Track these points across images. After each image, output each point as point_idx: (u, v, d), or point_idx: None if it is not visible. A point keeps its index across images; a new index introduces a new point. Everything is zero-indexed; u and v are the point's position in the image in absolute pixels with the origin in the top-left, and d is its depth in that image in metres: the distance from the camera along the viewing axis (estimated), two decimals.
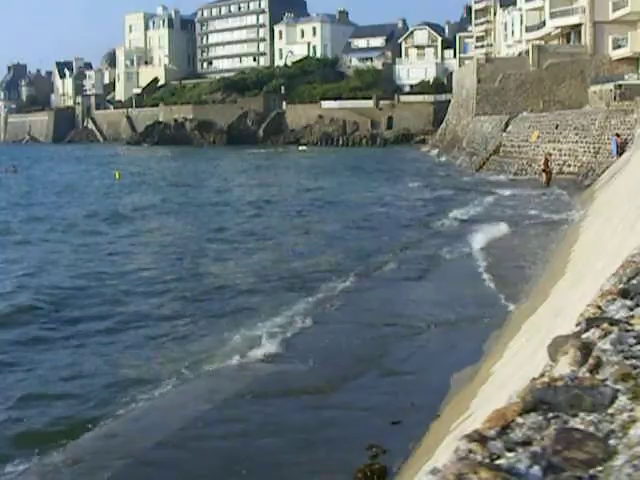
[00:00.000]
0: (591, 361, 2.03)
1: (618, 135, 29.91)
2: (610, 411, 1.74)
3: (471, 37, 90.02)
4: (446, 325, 11.22)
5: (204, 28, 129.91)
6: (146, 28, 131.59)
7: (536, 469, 1.52)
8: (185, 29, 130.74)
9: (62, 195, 36.62)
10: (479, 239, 18.20)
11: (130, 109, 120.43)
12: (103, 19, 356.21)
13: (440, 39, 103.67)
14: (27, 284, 15.27)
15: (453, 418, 6.26)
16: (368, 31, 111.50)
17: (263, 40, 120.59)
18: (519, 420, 1.74)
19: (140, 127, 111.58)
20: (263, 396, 8.61)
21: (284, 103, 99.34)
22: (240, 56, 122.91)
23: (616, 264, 4.36)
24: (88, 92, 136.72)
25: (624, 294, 2.90)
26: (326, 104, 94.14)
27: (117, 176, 45.99)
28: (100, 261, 18.13)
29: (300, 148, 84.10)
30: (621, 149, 28.91)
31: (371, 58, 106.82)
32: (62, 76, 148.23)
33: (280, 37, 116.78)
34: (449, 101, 66.90)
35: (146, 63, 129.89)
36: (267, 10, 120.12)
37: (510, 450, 1.61)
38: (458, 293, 13.25)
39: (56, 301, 13.75)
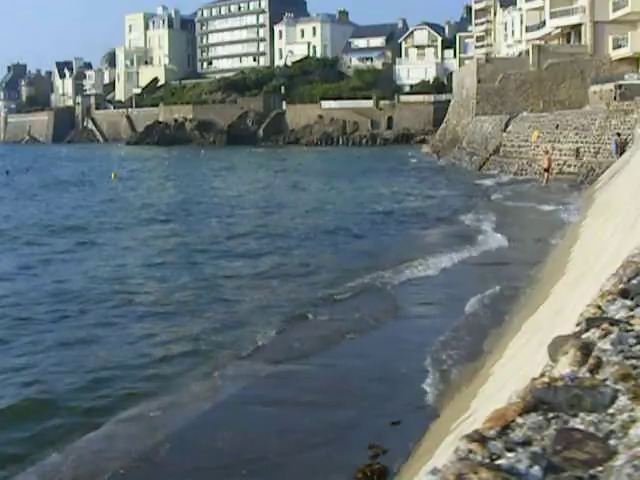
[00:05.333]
0: (591, 361, 2.03)
1: (619, 135, 29.93)
2: (610, 411, 1.74)
3: (471, 37, 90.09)
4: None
5: (204, 28, 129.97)
6: (146, 28, 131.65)
7: (536, 469, 1.52)
8: (185, 29, 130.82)
9: None
10: None
11: (130, 109, 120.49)
12: (103, 19, 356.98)
13: (440, 39, 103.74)
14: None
15: (453, 418, 6.26)
16: (368, 31, 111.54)
17: (263, 40, 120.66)
18: (519, 420, 1.74)
19: (140, 127, 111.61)
20: (263, 396, 8.61)
21: (284, 103, 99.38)
22: (240, 56, 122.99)
23: (616, 264, 4.36)
24: (88, 92, 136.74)
25: (624, 294, 2.90)
26: (326, 104, 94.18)
27: (114, 176, 47.41)
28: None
29: (305, 148, 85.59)
30: (621, 149, 28.92)
31: (371, 58, 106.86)
32: (62, 76, 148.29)
33: (280, 37, 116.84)
34: (449, 101, 66.88)
35: (146, 63, 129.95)
36: (267, 10, 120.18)
37: (510, 450, 1.61)
38: None
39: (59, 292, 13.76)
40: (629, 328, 2.33)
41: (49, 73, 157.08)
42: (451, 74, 78.13)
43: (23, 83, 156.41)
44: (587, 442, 1.59)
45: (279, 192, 35.90)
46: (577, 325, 2.59)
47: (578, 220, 18.44)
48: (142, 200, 33.07)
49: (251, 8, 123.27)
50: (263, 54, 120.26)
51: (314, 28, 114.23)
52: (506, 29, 69.91)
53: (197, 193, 36.29)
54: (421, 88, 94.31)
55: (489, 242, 18.23)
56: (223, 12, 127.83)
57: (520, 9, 64.09)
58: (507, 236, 18.84)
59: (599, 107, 37.19)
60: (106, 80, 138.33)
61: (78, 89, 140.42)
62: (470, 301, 11.98)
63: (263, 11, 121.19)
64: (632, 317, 2.51)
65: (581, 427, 1.68)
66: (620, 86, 39.48)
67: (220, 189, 38.37)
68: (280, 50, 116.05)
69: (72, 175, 51.21)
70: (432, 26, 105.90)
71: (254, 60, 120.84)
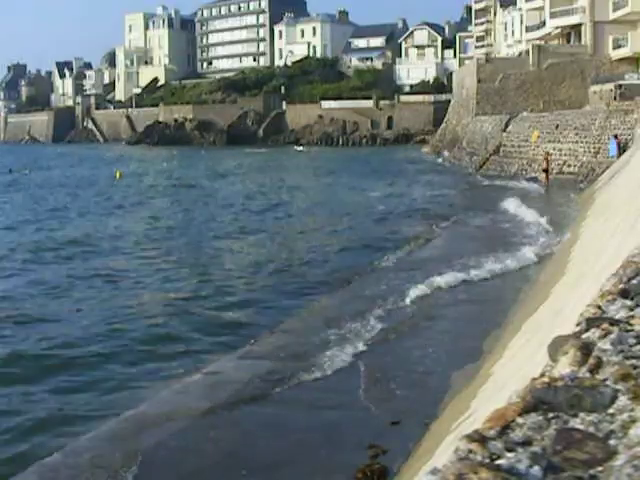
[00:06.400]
0: (591, 361, 2.03)
1: (616, 136, 29.92)
2: (610, 411, 1.74)
3: (471, 37, 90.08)
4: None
5: (204, 28, 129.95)
6: (146, 28, 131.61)
7: (536, 469, 1.52)
8: (185, 29, 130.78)
9: None
10: None
11: (130, 109, 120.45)
12: (103, 19, 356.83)
13: (440, 39, 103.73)
14: None
15: (453, 418, 6.26)
16: (368, 31, 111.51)
17: (263, 40, 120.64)
18: (519, 420, 1.74)
19: (140, 127, 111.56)
20: (263, 396, 8.61)
21: (284, 103, 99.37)
22: (240, 56, 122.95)
23: (616, 264, 4.36)
24: (88, 92, 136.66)
25: (624, 294, 2.90)
26: (326, 104, 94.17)
27: (118, 175, 47.06)
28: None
29: (297, 149, 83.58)
30: (622, 150, 28.90)
31: (371, 58, 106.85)
32: (62, 76, 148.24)
33: (280, 37, 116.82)
34: (449, 101, 66.86)
35: (146, 63, 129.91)
36: (267, 10, 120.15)
37: (510, 450, 1.61)
38: None
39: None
40: (629, 328, 2.33)
41: (49, 73, 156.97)
42: (451, 74, 78.10)
43: (23, 83, 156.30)
44: (587, 442, 1.59)
45: (297, 196, 34.04)
46: (577, 325, 2.59)
47: (578, 220, 18.45)
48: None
49: (251, 8, 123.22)
50: (263, 54, 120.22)
51: (314, 28, 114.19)
52: (506, 29, 69.89)
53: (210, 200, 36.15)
54: (421, 88, 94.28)
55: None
56: (223, 12, 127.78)
57: (520, 9, 64.07)
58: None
59: (599, 107, 37.18)
60: (106, 80, 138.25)
61: (78, 89, 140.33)
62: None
63: (263, 11, 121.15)
64: (632, 317, 2.51)
65: (581, 427, 1.68)
66: (620, 86, 39.46)
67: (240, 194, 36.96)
68: (280, 50, 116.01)
69: (75, 176, 51.21)
70: (432, 26, 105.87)
71: (254, 60, 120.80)
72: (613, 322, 2.42)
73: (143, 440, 7.50)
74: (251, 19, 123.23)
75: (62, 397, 9.00)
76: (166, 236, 22.31)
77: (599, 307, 2.81)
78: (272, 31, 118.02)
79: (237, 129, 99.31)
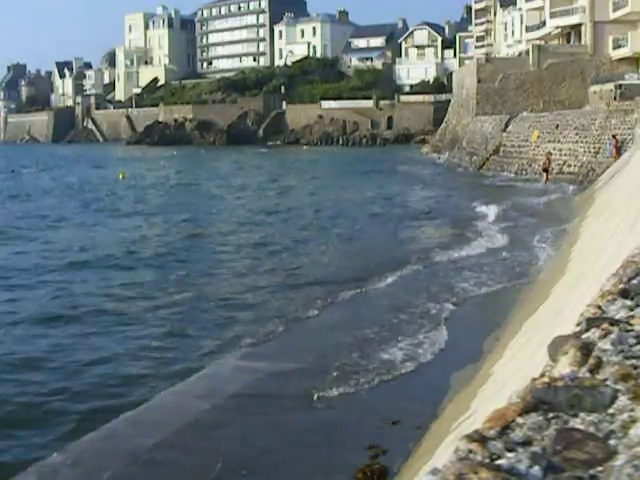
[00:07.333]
0: (591, 361, 2.03)
1: (614, 137, 29.93)
2: (610, 411, 1.74)
3: (471, 37, 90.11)
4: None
5: (204, 28, 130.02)
6: (146, 28, 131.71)
7: (536, 469, 1.52)
8: (185, 29, 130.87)
9: None
10: None
11: (130, 109, 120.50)
12: (103, 19, 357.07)
13: (440, 39, 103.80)
14: None
15: (453, 418, 6.26)
16: (368, 31, 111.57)
17: (263, 40, 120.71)
18: (519, 420, 1.74)
19: (140, 127, 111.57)
20: (263, 396, 8.61)
21: (284, 103, 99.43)
22: (240, 56, 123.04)
23: (616, 264, 4.36)
24: (88, 92, 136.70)
25: (624, 294, 2.90)
26: (326, 104, 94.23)
27: (121, 177, 46.77)
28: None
29: (304, 147, 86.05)
30: (617, 151, 28.92)
31: (371, 58, 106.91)
32: (62, 76, 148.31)
33: (280, 37, 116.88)
34: (449, 101, 66.83)
35: (146, 63, 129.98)
36: (267, 10, 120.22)
37: (510, 450, 1.61)
38: None
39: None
40: (629, 328, 2.33)
41: (49, 73, 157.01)
42: (451, 74, 78.07)
43: (23, 83, 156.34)
44: (587, 442, 1.59)
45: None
46: (577, 325, 2.59)
47: (578, 220, 18.44)
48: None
49: (251, 8, 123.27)
50: (263, 54, 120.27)
51: (314, 28, 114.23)
52: (506, 29, 69.88)
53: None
54: (421, 88, 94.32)
55: None
56: (223, 12, 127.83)
57: (520, 9, 64.06)
58: None
59: (599, 107, 37.16)
60: (106, 80, 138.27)
61: (78, 89, 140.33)
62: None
63: (263, 11, 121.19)
64: (632, 317, 2.51)
65: (581, 427, 1.68)
66: (620, 86, 39.43)
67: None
68: (280, 50, 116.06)
69: (80, 177, 51.13)
70: (432, 26, 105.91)
71: (254, 60, 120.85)
72: (613, 322, 2.42)
73: (143, 440, 7.50)
74: (251, 19, 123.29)
75: (61, 397, 9.00)
76: (167, 236, 22.31)
77: (599, 307, 2.82)
78: (272, 31, 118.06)
79: (237, 129, 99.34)
